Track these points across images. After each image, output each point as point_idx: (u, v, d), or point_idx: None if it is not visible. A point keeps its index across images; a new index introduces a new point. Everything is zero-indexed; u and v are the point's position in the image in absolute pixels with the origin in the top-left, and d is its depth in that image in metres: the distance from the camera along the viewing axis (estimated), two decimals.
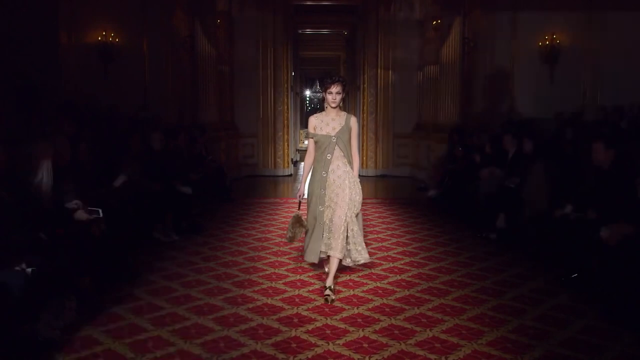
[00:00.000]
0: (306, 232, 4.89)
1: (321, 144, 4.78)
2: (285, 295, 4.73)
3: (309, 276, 5.26)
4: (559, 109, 7.37)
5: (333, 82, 4.69)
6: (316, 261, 4.89)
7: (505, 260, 5.84)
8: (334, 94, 4.71)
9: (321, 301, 4.57)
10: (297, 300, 4.61)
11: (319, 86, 5.88)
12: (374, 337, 3.87)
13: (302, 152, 21.10)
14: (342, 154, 4.80)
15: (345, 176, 4.83)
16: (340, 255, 4.66)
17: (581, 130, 6.43)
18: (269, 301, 4.58)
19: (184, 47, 11.03)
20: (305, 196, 5.06)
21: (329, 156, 4.78)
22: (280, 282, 5.09)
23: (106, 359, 3.56)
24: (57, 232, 4.23)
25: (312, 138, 4.88)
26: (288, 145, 13.75)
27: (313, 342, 3.81)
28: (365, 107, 13.61)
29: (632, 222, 4.34)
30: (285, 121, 13.61)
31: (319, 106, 32.98)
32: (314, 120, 4.86)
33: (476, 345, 3.76)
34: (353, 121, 4.82)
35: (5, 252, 3.60)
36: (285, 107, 13.55)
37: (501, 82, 9.46)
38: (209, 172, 8.95)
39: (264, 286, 4.96)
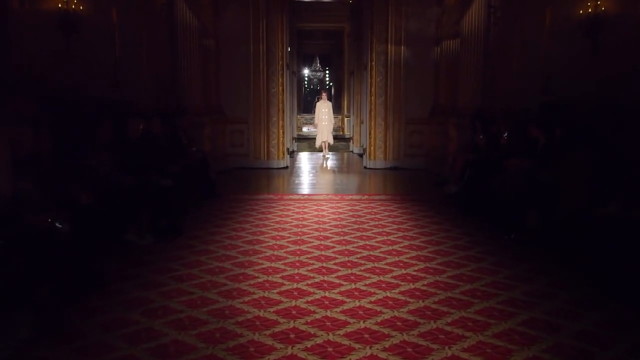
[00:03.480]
0: None
1: None
2: (280, 306, 4.70)
3: (307, 284, 5.22)
4: (603, 89, 7.26)
5: None
6: None
7: (537, 267, 5.79)
8: None
9: (322, 314, 4.53)
10: (293, 312, 4.58)
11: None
12: (383, 355, 3.83)
13: (300, 141, 21.14)
14: None
15: None
16: None
17: (630, 115, 6.33)
18: (262, 314, 4.55)
19: (160, 16, 10.94)
20: None
21: None
22: (275, 291, 5.06)
23: None
24: (14, 233, 4.17)
25: None
26: (283, 133, 13.72)
27: None
28: (373, 89, 13.56)
29: None
30: (280, 105, 13.57)
31: (319, 87, 32.92)
32: None
33: None
34: None
35: None
36: (280, 88, 13.52)
37: (533, 59, 9.36)
38: (192, 164, 8.91)
39: (256, 296, 4.93)
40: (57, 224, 4.67)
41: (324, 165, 14.84)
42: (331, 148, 16.95)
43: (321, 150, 16.26)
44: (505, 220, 7.07)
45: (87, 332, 4.17)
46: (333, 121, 16.88)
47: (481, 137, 9.35)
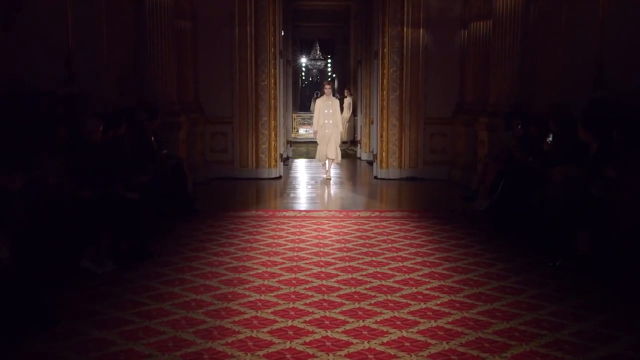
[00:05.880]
0: None
1: None
2: (272, 349, 4.68)
3: (305, 322, 5.19)
4: None
5: None
6: None
7: (589, 302, 5.76)
8: None
9: (323, 358, 4.50)
10: (288, 356, 4.56)
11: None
12: None
13: (296, 145, 21.11)
14: None
15: None
16: None
17: None
18: (248, 358, 4.52)
19: None
20: None
21: None
22: (265, 330, 5.03)
23: None
24: None
25: None
26: (276, 136, 13.72)
27: None
28: (385, 82, 13.58)
29: None
30: (272, 101, 13.57)
31: (319, 79, 32.98)
32: None
33: None
34: None
35: None
36: (272, 80, 13.53)
37: (583, 43, 9.35)
38: (164, 173, 8.89)
39: (241, 336, 4.90)
40: None
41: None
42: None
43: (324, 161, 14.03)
44: (549, 244, 7.04)
45: None
46: (341, 127, 14.73)
47: (518, 127, 9.31)
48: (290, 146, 18.72)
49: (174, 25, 11.98)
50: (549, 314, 5.43)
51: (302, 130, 27.10)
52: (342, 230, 8.65)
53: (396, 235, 8.29)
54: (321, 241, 7.98)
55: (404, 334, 4.96)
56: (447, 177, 13.32)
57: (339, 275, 6.51)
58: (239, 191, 12.25)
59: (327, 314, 5.38)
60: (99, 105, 8.81)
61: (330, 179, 13.77)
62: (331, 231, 8.57)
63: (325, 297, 5.82)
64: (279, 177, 13.80)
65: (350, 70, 23.05)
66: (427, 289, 6.06)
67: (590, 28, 9.20)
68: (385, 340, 4.83)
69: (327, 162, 13.85)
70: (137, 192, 7.40)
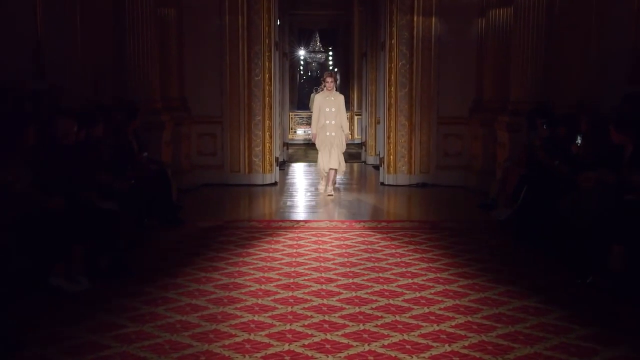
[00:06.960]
0: None
1: None
2: None
3: (303, 346, 5.18)
4: None
5: None
6: None
7: (623, 324, 5.74)
8: None
9: None
10: None
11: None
12: None
13: (293, 147, 21.11)
14: None
15: None
16: None
17: None
18: None
19: None
20: None
21: None
22: (258, 355, 5.01)
23: None
24: None
25: None
26: (271, 137, 13.72)
27: None
28: (393, 77, 13.60)
29: None
30: (267, 98, 13.59)
31: (318, 73, 32.98)
32: None
33: None
34: None
35: None
36: (267, 75, 13.54)
37: (617, 32, 9.33)
38: (145, 179, 8.88)
39: None
40: None
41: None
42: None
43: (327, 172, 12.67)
44: (577, 258, 7.01)
45: None
46: (347, 130, 12.95)
47: (543, 127, 9.29)
48: (287, 149, 18.73)
49: (156, 13, 11.98)
50: (578, 337, 5.40)
51: (300, 131, 27.13)
52: (345, 242, 8.65)
53: (405, 249, 8.29)
54: (322, 255, 7.98)
55: (415, 359, 4.94)
56: (462, 183, 13.32)
57: (342, 293, 6.51)
58: (230, 199, 12.28)
59: (329, 336, 5.36)
60: (72, 102, 8.79)
61: (332, 196, 12.51)
62: (333, 244, 8.57)
63: (326, 317, 5.81)
64: (275, 184, 13.82)
65: (354, 64, 23.08)
66: (440, 309, 6.05)
67: (624, 14, 9.18)
68: None
69: (330, 174, 12.57)
70: (114, 200, 7.41)
